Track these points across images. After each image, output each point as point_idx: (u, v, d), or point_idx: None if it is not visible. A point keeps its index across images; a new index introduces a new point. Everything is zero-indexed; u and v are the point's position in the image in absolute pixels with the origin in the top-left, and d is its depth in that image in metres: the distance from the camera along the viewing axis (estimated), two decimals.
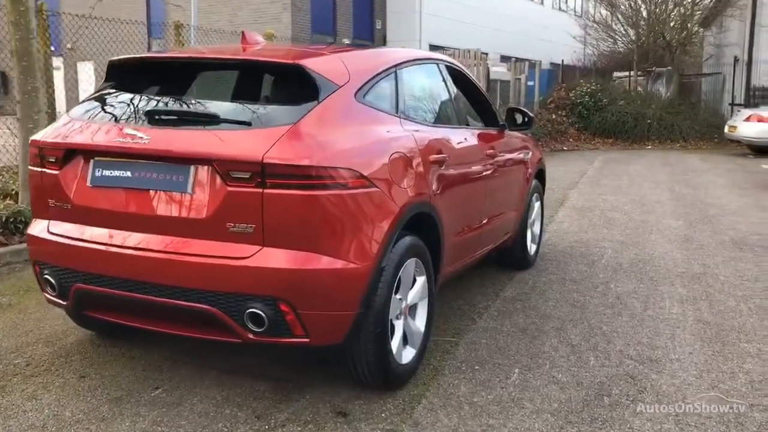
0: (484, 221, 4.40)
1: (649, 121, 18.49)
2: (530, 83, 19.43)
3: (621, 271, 5.63)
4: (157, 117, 2.99)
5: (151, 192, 2.91)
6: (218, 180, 2.77)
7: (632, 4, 21.60)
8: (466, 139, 4.14)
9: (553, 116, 18.89)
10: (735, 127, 15.79)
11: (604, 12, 25.17)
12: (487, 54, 21.11)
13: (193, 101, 3.12)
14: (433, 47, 19.79)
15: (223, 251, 2.78)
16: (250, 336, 2.85)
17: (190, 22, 12.45)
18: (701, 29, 22.02)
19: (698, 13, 20.58)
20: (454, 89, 4.29)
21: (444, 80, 4.18)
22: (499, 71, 17.76)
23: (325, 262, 2.80)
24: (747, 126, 15.42)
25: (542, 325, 4.30)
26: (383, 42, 22.10)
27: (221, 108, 3.03)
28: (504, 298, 4.85)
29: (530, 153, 5.39)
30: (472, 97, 4.73)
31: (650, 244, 6.62)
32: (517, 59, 20.02)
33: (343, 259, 2.84)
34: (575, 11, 30.55)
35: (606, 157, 15.71)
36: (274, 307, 2.78)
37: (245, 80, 3.35)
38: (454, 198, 3.80)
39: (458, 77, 4.51)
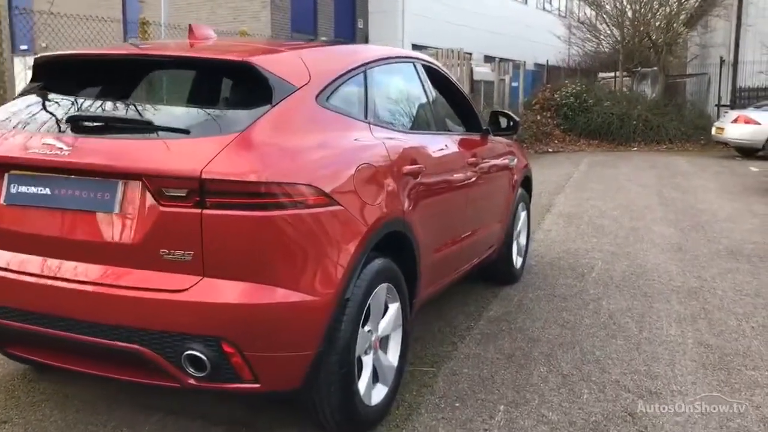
0: (466, 235, 4.00)
1: (635, 122, 18.22)
2: (515, 84, 19.06)
3: (613, 285, 5.26)
4: (82, 124, 2.55)
5: (74, 212, 2.47)
6: (149, 198, 2.34)
7: (617, 4, 21.32)
8: (445, 146, 3.74)
9: (538, 117, 18.58)
10: (722, 129, 15.53)
11: (588, 12, 24.89)
12: (470, 54, 20.75)
13: (125, 105, 2.69)
14: (416, 47, 19.39)
15: (155, 282, 2.36)
16: (191, 381, 2.42)
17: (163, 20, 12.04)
18: (686, 29, 21.79)
19: (684, 13, 20.32)
20: (432, 91, 3.88)
21: (421, 81, 3.77)
22: (483, 72, 17.39)
23: (279, 295, 2.38)
24: (735, 128, 15.16)
25: (530, 350, 3.91)
26: (365, 42, 21.70)
27: (157, 113, 2.60)
28: (488, 318, 4.46)
29: (515, 159, 5.00)
30: (453, 100, 4.33)
31: (642, 255, 6.26)
32: (501, 59, 19.67)
33: (299, 290, 2.43)
34: (559, 11, 30.28)
35: (592, 159, 15.39)
36: (216, 348, 2.36)
37: (187, 81, 2.93)
38: (432, 212, 3.39)
39: (437, 78, 4.11)
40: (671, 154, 16.63)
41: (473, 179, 3.99)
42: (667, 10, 20.17)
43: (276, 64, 2.67)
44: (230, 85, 2.77)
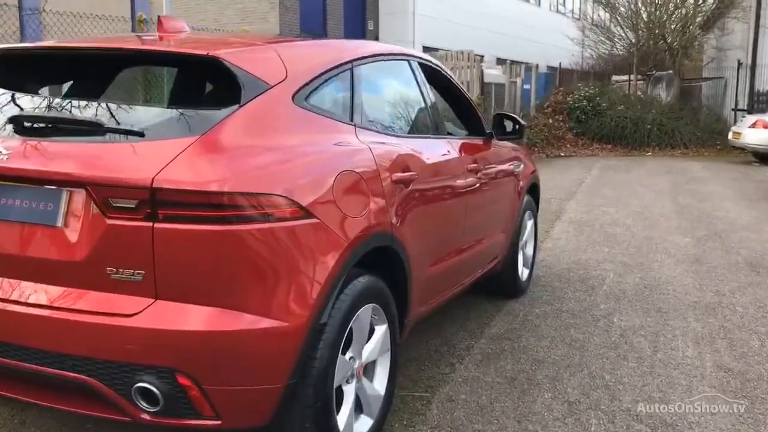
0: (466, 247, 3.70)
1: (649, 126, 17.79)
2: (526, 87, 18.73)
3: (625, 300, 4.93)
4: (24, 125, 2.28)
5: (13, 224, 2.20)
6: (95, 210, 2.07)
7: (632, 6, 20.93)
8: (442, 151, 3.44)
9: (550, 121, 18.20)
10: (740, 134, 15.10)
11: (602, 14, 24.50)
12: (482, 56, 20.44)
13: (76, 104, 2.41)
14: (427, 49, 19.10)
15: (102, 306, 2.08)
16: (144, 416, 2.14)
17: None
18: (702, 33, 21.35)
19: (700, 15, 19.87)
20: (429, 92, 3.58)
21: (417, 81, 3.47)
22: (493, 74, 17.06)
23: (243, 321, 2.10)
24: (753, 132, 14.73)
25: (534, 373, 3.60)
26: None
27: (110, 113, 2.33)
28: (490, 335, 4.15)
29: (522, 165, 4.69)
30: (454, 102, 4.04)
31: (656, 266, 5.92)
32: (513, 62, 19.34)
33: (267, 316, 2.14)
34: (573, 13, 29.90)
35: (605, 164, 15.02)
36: (170, 381, 2.07)
37: (147, 78, 2.65)
38: (426, 224, 3.10)
39: (436, 78, 3.82)
40: (686, 159, 16.22)
41: (474, 187, 3.69)
42: (683, 12, 19.75)
43: (246, 60, 2.38)
44: (194, 82, 2.50)
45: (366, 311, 2.59)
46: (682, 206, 9.23)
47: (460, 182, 3.51)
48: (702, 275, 5.66)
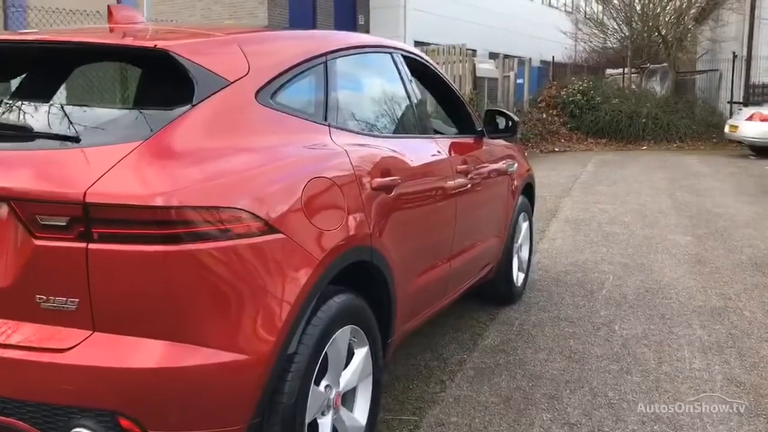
0: (455, 255, 3.42)
1: (644, 120, 17.56)
2: (520, 81, 18.43)
3: (626, 305, 4.67)
4: None
5: None
6: (21, 229, 1.78)
7: None
8: (429, 152, 3.16)
9: (544, 116, 17.93)
10: (736, 127, 14.87)
11: (595, 7, 24.25)
12: (475, 51, 20.15)
13: (3, 105, 2.12)
14: (419, 44, 18.79)
15: (32, 339, 1.80)
16: None
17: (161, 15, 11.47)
18: (696, 24, 21.09)
19: (696, 6, 19.60)
20: (414, 87, 3.29)
21: (400, 75, 3.18)
22: (486, 68, 16.76)
23: (196, 355, 1.82)
24: (749, 126, 14.50)
25: (531, 390, 3.33)
26: None
27: (41, 115, 2.04)
28: (484, 348, 3.88)
29: (515, 164, 4.41)
30: (442, 98, 3.77)
31: (657, 267, 5.66)
32: (506, 56, 19.07)
33: (224, 348, 1.86)
34: (566, 6, 29.63)
35: (600, 158, 14.77)
36: (111, 425, 1.79)
37: (87, 74, 2.36)
38: (411, 232, 2.82)
39: (422, 72, 3.54)
40: (682, 153, 15.99)
41: (464, 189, 3.41)
42: (677, 3, 19.49)
43: (200, 52, 2.10)
44: (140, 79, 2.21)
45: (343, 334, 2.31)
46: (680, 203, 8.98)
47: (448, 185, 3.23)
48: (705, 277, 5.39)
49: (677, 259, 5.95)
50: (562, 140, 17.47)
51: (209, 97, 2.03)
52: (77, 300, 1.75)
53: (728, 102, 18.71)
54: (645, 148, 17.28)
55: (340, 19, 20.76)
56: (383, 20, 21.20)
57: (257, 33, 2.66)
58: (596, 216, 7.97)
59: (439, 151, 3.24)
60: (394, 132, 3.10)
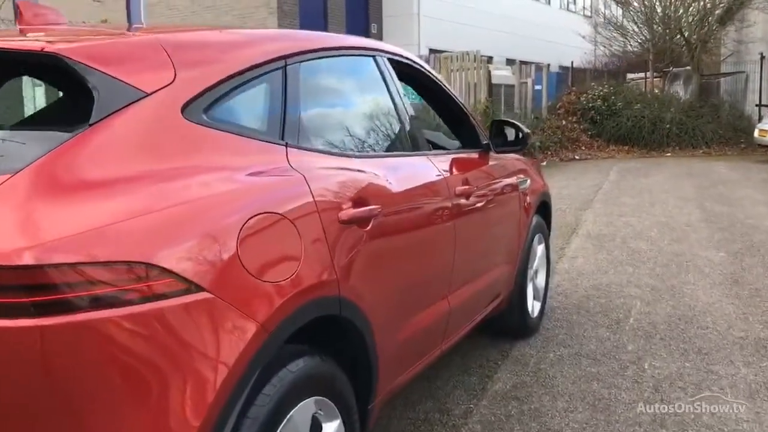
0: (457, 292, 2.92)
1: (668, 125, 16.89)
2: (537, 87, 17.88)
3: (657, 337, 4.13)
4: None
5: None
6: None
7: (646, 0, 20.03)
8: (421, 172, 2.67)
9: (563, 122, 17.33)
10: (767, 131, 14.19)
11: (615, 9, 23.63)
12: (491, 57, 19.63)
13: None
14: (433, 51, 18.35)
15: None
16: None
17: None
18: (719, 26, 20.37)
19: (721, 6, 18.90)
20: (403, 96, 2.78)
21: (386, 82, 2.68)
22: (502, 75, 16.25)
23: None
24: None
25: None
26: None
27: None
28: (494, 394, 3.37)
29: (528, 180, 3.91)
30: (440, 107, 3.28)
31: (689, 290, 5.10)
32: (523, 62, 18.53)
33: None
34: (584, 10, 29.01)
35: (622, 167, 14.14)
36: None
37: None
38: (395, 272, 2.33)
39: (416, 78, 3.06)
40: (709, 160, 15.31)
41: (465, 213, 2.91)
42: (701, 4, 18.81)
43: (106, 57, 1.63)
44: (28, 92, 1.74)
45: (305, 409, 1.83)
46: (710, 214, 8.38)
47: (445, 210, 2.73)
48: (744, 301, 4.83)
49: (711, 280, 5.39)
50: (583, 148, 16.87)
51: (115, 113, 1.56)
52: None
53: (756, 105, 17.98)
54: (669, 154, 16.62)
55: (353, 28, 20.34)
56: (396, 28, 20.79)
57: (191, 32, 2.19)
58: (620, 230, 7.41)
59: (433, 171, 2.74)
60: (376, 150, 2.61)
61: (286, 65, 2.09)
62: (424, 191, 2.60)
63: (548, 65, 19.55)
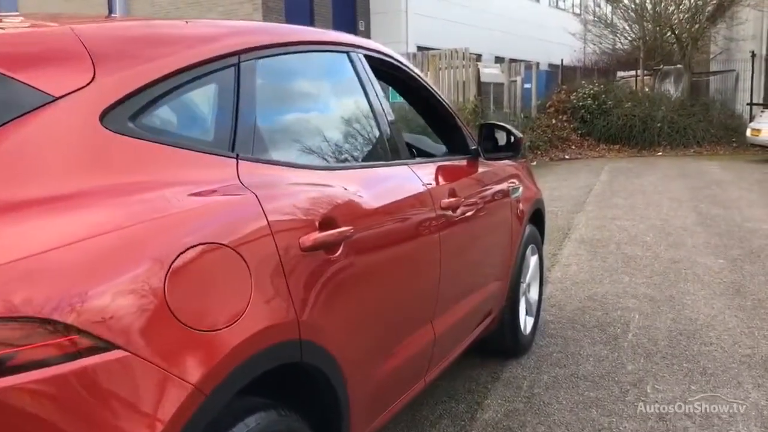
0: (442, 315, 2.61)
1: (659, 124, 16.65)
2: (527, 86, 17.59)
3: (658, 355, 3.84)
4: None
5: None
6: None
7: None
8: (401, 184, 2.36)
9: (553, 121, 17.07)
10: (759, 131, 13.98)
11: (605, 6, 23.38)
12: (480, 55, 19.34)
13: None
14: (421, 48, 18.04)
15: None
16: None
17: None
18: (709, 23, 20.17)
19: (712, 3, 18.67)
20: (382, 98, 2.47)
21: (361, 82, 2.36)
22: (491, 73, 15.97)
23: None
24: None
25: None
26: None
27: None
28: (483, 424, 3.07)
29: (521, 188, 3.61)
30: (424, 110, 2.97)
31: (690, 301, 4.83)
32: (512, 60, 18.25)
33: None
34: (573, 8, 28.78)
35: (614, 166, 13.89)
36: None
37: None
38: (370, 303, 2.02)
39: (397, 78, 2.76)
40: (701, 159, 15.09)
41: (453, 230, 2.61)
42: (692, 1, 18.58)
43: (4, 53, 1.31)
44: None
45: None
46: (706, 216, 8.13)
47: (429, 226, 2.42)
48: (749, 313, 4.56)
49: (711, 290, 5.11)
50: (573, 147, 16.62)
51: (9, 122, 1.24)
52: None
53: (747, 104, 17.79)
54: (660, 153, 16.40)
55: (340, 25, 19.98)
56: (384, 25, 20.47)
57: (122, 23, 1.86)
58: (614, 235, 7.14)
59: (416, 182, 2.43)
60: (349, 161, 2.29)
61: (239, 62, 1.77)
62: (404, 206, 2.29)
63: (538, 63, 19.29)
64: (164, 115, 1.56)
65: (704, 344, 4.01)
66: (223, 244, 1.44)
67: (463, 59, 14.18)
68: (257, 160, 1.72)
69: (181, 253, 1.33)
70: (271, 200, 1.62)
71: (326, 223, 1.78)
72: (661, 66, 19.95)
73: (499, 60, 20.05)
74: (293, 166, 1.85)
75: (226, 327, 1.39)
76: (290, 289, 1.59)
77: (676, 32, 19.03)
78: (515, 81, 16.69)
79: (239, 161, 1.65)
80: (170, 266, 1.31)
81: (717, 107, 18.28)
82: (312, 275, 1.69)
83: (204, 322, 1.35)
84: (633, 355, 3.86)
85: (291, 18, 18.49)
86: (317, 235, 1.72)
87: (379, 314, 2.07)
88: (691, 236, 7.03)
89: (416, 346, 2.39)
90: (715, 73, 20.86)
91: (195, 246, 1.37)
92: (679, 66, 19.37)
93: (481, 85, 14.71)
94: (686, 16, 18.95)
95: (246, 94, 1.76)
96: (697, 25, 18.49)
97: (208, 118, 1.69)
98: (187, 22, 1.86)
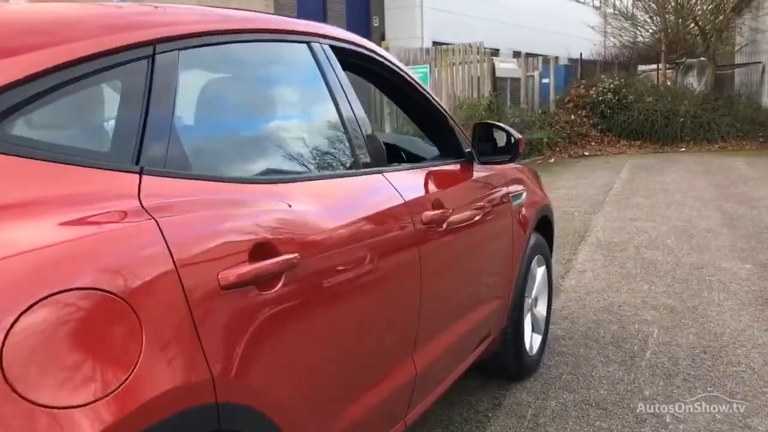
0: (425, 346, 2.26)
1: (681, 119, 16.09)
2: (545, 81, 17.13)
3: (678, 377, 3.46)
4: None
5: None
6: None
7: None
8: (369, 197, 2.01)
9: (572, 117, 16.58)
10: None
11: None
12: (497, 50, 18.92)
13: None
14: (437, 44, 17.65)
15: None
16: None
17: None
18: (733, 13, 19.54)
19: None
20: (350, 97, 2.09)
21: (324, 76, 2.00)
22: (508, 68, 15.53)
23: None
24: None
25: None
26: (381, 41, 19.98)
27: None
28: None
29: (524, 193, 3.25)
30: (409, 107, 2.62)
31: (714, 312, 4.43)
32: (530, 54, 17.79)
33: None
34: (593, 0, 28.19)
35: (635, 163, 13.42)
36: None
37: None
38: (324, 347, 1.68)
39: (374, 72, 2.40)
40: (726, 155, 14.54)
41: (437, 248, 2.26)
42: None
43: None
44: None
45: None
46: (732, 217, 7.68)
47: (406, 246, 2.07)
48: None
49: (738, 299, 4.70)
50: (593, 143, 16.13)
51: None
52: None
53: None
54: (683, 149, 15.85)
55: (354, 21, 19.67)
56: (399, 21, 20.13)
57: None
58: (633, 237, 6.73)
59: (389, 194, 2.07)
60: (299, 171, 1.94)
61: (154, 54, 1.44)
62: (371, 224, 1.93)
63: (556, 57, 18.80)
64: (39, 120, 1.24)
65: (731, 364, 3.62)
66: (101, 290, 1.10)
67: (478, 54, 13.78)
68: (170, 175, 1.38)
69: (28, 308, 1.00)
70: (178, 227, 1.28)
71: (261, 251, 1.43)
72: (684, 59, 19.37)
73: (516, 54, 19.62)
74: (221, 181, 1.51)
75: (98, 400, 1.06)
76: (202, 341, 1.26)
77: (700, 24, 18.44)
78: (532, 76, 16.25)
79: (143, 176, 1.31)
80: (11, 326, 0.98)
81: (742, 101, 17.66)
82: (236, 319, 1.35)
83: (62, 396, 1.02)
84: (651, 376, 3.48)
85: (303, 14, 18.19)
86: (246, 268, 1.38)
87: (336, 359, 1.73)
88: (715, 238, 6.61)
89: (391, 386, 2.04)
90: (740, 65, 20.24)
91: (53, 295, 1.03)
92: (702, 59, 18.78)
93: (496, 81, 14.28)
94: (710, 6, 18.35)
95: (161, 94, 1.42)
96: (721, 16, 17.88)
97: (103, 124, 1.36)
98: (97, 5, 1.52)
